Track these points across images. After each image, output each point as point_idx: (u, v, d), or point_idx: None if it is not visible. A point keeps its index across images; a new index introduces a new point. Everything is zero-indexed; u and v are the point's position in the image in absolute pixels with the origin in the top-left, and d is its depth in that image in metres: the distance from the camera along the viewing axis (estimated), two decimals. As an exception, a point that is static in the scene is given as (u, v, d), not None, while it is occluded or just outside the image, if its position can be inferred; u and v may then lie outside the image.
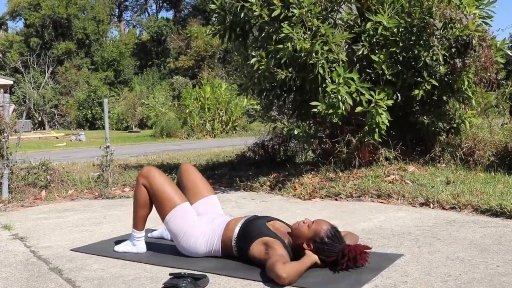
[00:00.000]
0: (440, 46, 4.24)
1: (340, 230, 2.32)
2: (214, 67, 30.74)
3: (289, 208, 3.81)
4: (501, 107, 5.30)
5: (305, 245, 2.23)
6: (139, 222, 2.61)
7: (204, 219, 2.52)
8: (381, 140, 4.43)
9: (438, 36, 4.25)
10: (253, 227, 2.36)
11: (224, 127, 17.74)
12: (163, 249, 2.67)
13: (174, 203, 2.49)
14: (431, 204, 3.55)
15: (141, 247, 2.63)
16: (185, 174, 2.73)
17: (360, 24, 4.69)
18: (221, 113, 17.66)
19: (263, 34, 4.56)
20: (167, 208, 2.48)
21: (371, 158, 4.61)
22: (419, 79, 4.43)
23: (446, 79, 4.51)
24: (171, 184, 2.56)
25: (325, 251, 2.20)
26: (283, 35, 4.24)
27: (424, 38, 4.31)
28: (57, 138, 19.57)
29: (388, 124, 4.30)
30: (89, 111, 28.90)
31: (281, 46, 4.27)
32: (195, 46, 31.81)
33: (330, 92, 4.21)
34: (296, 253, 2.25)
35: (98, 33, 35.08)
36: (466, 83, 4.44)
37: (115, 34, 40.58)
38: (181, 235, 2.47)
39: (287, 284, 2.02)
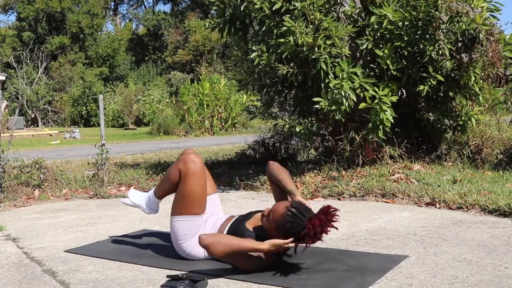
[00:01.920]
0: (446, 40, 4.16)
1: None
2: (213, 62, 30.59)
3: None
4: (510, 104, 5.24)
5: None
6: (160, 194, 2.58)
7: (207, 224, 2.45)
8: (385, 138, 4.36)
9: (444, 30, 4.18)
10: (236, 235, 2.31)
11: (223, 124, 17.55)
12: (160, 250, 2.61)
13: (193, 210, 2.39)
14: (437, 204, 3.48)
15: (154, 208, 2.64)
16: None
17: (364, 17, 4.61)
18: (220, 110, 17.47)
19: (264, 27, 4.48)
20: (185, 209, 2.38)
21: (375, 156, 4.54)
22: (424, 74, 4.35)
23: (452, 75, 4.44)
24: (203, 188, 2.42)
25: (293, 233, 2.14)
26: (284, 28, 4.17)
27: (429, 32, 4.23)
28: (51, 135, 19.46)
29: (392, 121, 4.22)
30: (84, 108, 28.75)
31: (282, 40, 4.20)
32: (193, 41, 31.63)
33: (333, 88, 4.12)
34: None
35: (93, 27, 34.75)
36: (473, 78, 4.37)
37: (111, 28, 40.37)
38: (183, 241, 2.41)
39: (204, 246, 2.12)
